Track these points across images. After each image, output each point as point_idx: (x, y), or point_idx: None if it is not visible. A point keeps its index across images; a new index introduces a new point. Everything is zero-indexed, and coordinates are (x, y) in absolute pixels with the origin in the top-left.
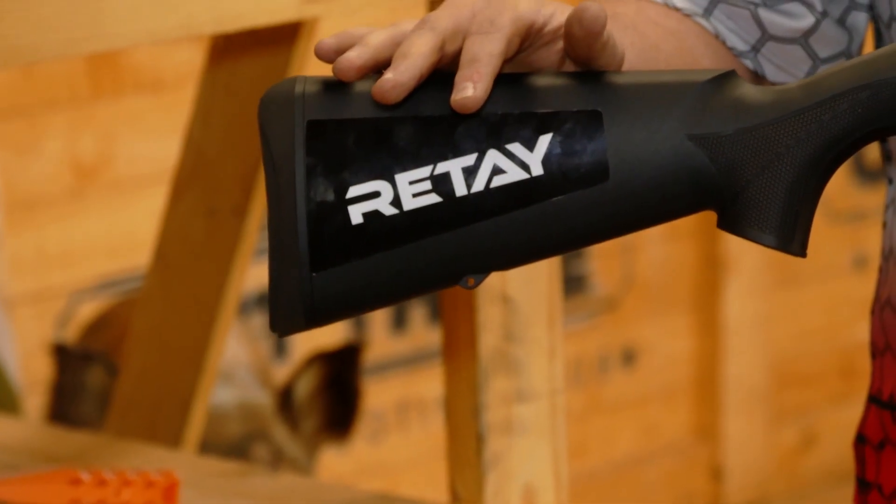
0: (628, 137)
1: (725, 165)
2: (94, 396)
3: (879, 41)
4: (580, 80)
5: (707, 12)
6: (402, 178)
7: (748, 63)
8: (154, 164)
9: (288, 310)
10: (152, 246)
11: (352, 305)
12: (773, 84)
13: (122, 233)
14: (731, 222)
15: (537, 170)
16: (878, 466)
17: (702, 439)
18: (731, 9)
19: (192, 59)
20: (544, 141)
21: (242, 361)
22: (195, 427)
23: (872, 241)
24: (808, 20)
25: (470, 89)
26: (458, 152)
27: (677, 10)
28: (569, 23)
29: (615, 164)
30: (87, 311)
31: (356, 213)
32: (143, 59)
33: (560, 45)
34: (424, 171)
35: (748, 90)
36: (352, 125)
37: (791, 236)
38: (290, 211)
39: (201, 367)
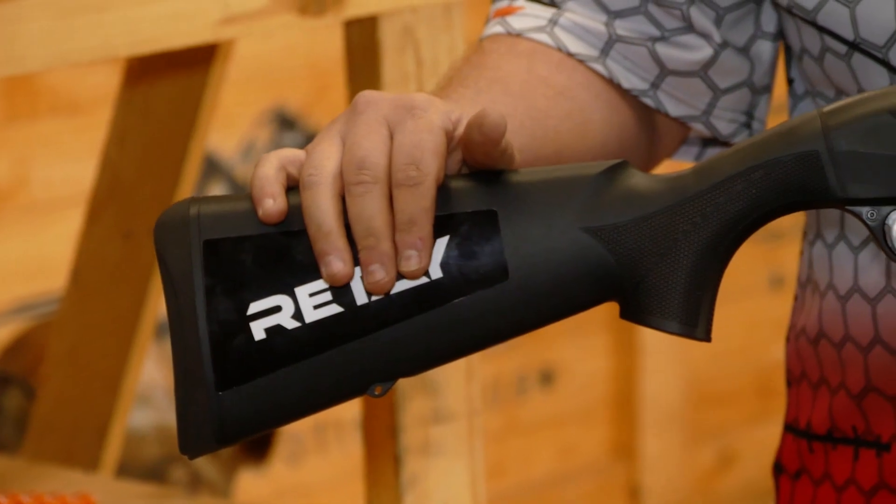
0: (525, 235)
1: (624, 256)
2: (10, 420)
3: (789, 70)
4: (474, 180)
5: (603, 53)
6: (302, 291)
7: (648, 101)
8: (70, 186)
9: (197, 431)
10: (68, 269)
11: (262, 422)
12: (677, 119)
13: (37, 256)
14: (633, 311)
15: (436, 273)
16: (793, 496)
17: (619, 459)
18: (627, 47)
19: (108, 82)
20: (441, 244)
21: (160, 384)
22: (113, 450)
23: (789, 261)
24: (705, 52)
25: (415, 259)
26: (356, 261)
27: (570, 56)
28: (468, 129)
29: (514, 263)
30: (4, 334)
31: (258, 330)
32: (59, 82)
33: (460, 153)
34: (323, 283)
35: (641, 179)
36: (248, 242)
37: (695, 321)
38: (192, 332)
39: (118, 390)
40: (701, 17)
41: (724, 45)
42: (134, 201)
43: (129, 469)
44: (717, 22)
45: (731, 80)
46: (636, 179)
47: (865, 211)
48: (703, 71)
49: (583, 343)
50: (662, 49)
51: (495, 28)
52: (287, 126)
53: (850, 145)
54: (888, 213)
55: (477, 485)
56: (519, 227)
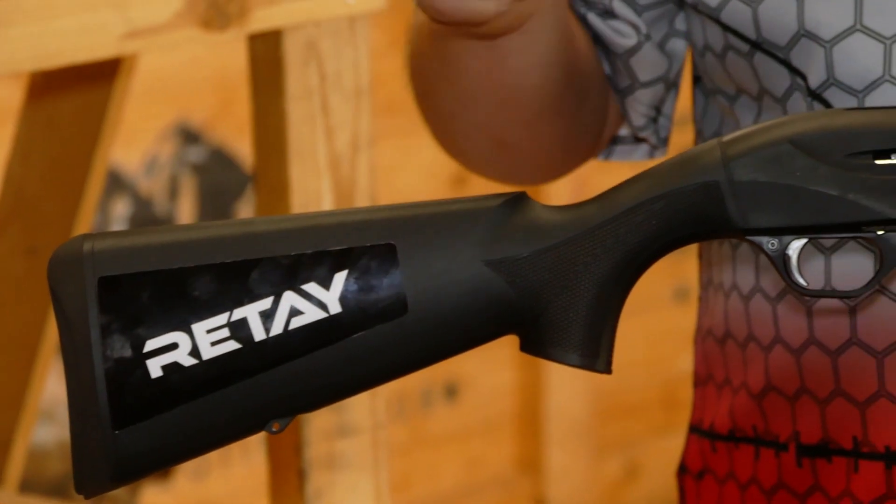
0: (424, 268)
1: (524, 288)
2: None
3: (694, 69)
4: (373, 213)
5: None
6: (199, 328)
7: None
8: None
9: (92, 470)
10: None
11: (159, 461)
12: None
13: None
14: (533, 344)
15: (335, 308)
16: (698, 496)
17: (525, 472)
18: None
19: (12, 96)
20: (340, 278)
21: (63, 400)
22: (16, 465)
23: (693, 273)
24: (631, 40)
25: None
26: (253, 297)
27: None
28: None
29: (413, 297)
30: None
31: (155, 367)
32: None
33: None
34: (221, 319)
35: (541, 210)
36: (145, 278)
37: (596, 353)
38: (87, 370)
39: (22, 406)
40: (624, 9)
41: (648, 37)
42: (38, 217)
43: (32, 485)
44: (639, 14)
45: (650, 74)
46: (536, 211)
47: (766, 240)
48: (626, 56)
49: (488, 356)
50: (595, 21)
51: None
52: (191, 140)
53: (750, 175)
54: (789, 243)
55: (382, 498)
56: (418, 260)
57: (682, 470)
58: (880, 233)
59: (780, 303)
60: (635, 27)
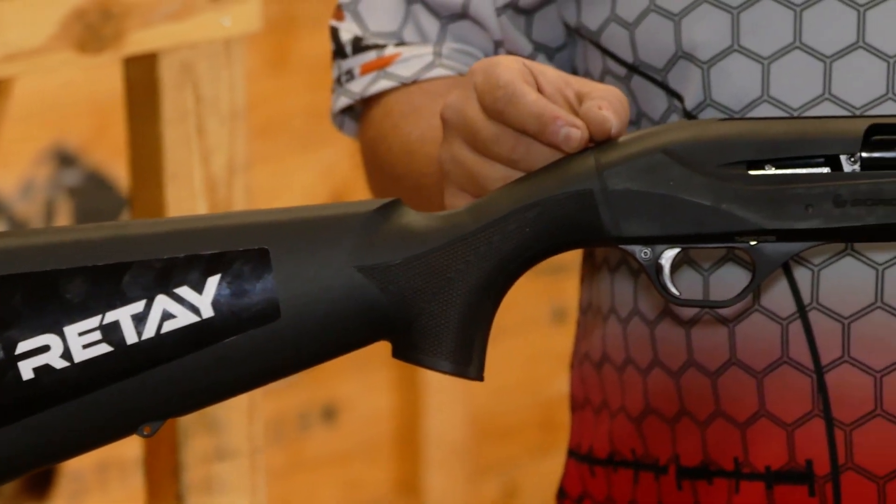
0: (297, 274)
1: (397, 295)
2: None
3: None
4: (246, 217)
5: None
6: (72, 330)
7: None
8: None
9: None
10: None
11: (31, 462)
12: None
13: None
14: (405, 351)
15: (207, 312)
16: None
17: (404, 495)
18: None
19: None
20: (213, 282)
21: None
22: None
23: (571, 294)
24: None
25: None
26: (126, 300)
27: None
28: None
29: (286, 302)
30: None
31: (26, 369)
32: None
33: None
34: (93, 322)
35: (415, 217)
36: (18, 280)
37: (467, 360)
38: None
39: None
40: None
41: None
42: None
43: None
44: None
45: None
46: (410, 218)
47: (639, 249)
48: None
49: (365, 379)
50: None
51: (381, 83)
52: (67, 163)
53: (624, 184)
54: (662, 252)
55: None
56: (291, 265)
57: (561, 494)
58: (753, 243)
59: (658, 325)
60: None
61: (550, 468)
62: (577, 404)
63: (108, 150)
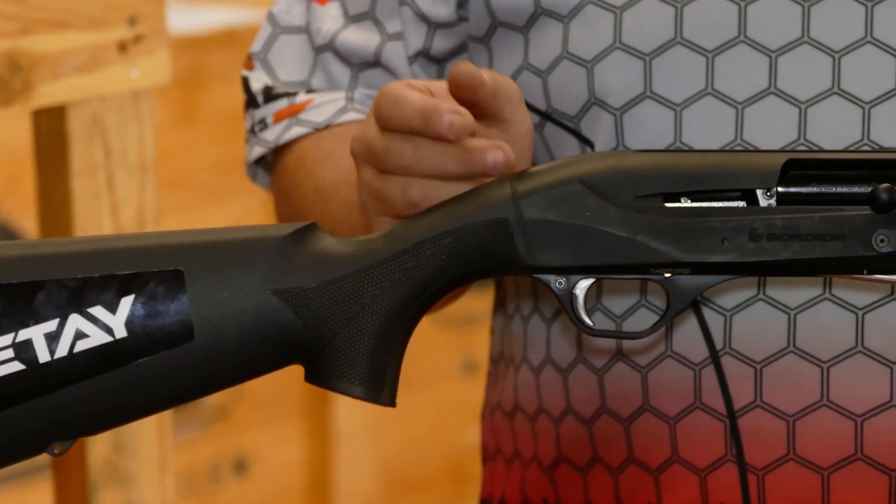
0: (211, 296)
1: (311, 319)
2: None
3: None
4: (161, 238)
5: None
6: None
7: None
8: None
9: None
10: None
11: None
12: None
13: None
14: (318, 375)
15: (121, 332)
16: None
17: None
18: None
19: None
20: (126, 303)
21: None
22: None
23: (481, 346)
24: None
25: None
26: (39, 318)
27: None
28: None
29: (199, 324)
30: None
31: None
32: None
33: None
34: (6, 339)
35: (330, 242)
36: None
37: (380, 386)
38: None
39: None
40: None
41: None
42: None
43: None
44: None
45: None
46: (325, 242)
47: (554, 279)
48: None
49: (276, 431)
50: None
51: (294, 130)
52: None
53: (540, 213)
54: (577, 282)
55: None
56: (205, 287)
57: None
58: (668, 275)
59: (571, 373)
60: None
61: None
62: (489, 455)
63: (18, 202)
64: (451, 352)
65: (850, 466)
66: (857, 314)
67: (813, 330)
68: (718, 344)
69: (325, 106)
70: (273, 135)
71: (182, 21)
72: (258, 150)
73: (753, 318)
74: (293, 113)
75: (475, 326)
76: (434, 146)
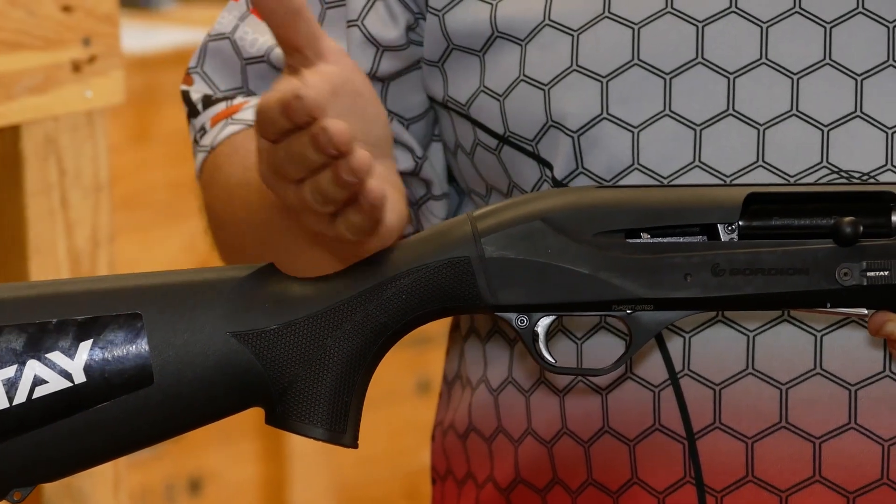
0: (171, 339)
1: (271, 361)
2: None
3: (448, 169)
4: (120, 281)
5: None
6: None
7: None
8: None
9: None
10: None
11: None
12: None
13: None
14: (279, 418)
15: (80, 378)
16: None
17: None
18: None
19: None
20: (85, 348)
21: None
22: None
23: (436, 366)
24: (408, 163)
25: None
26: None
27: None
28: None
29: (159, 367)
30: None
31: None
32: None
33: None
34: None
35: (290, 283)
36: None
37: (342, 427)
38: None
39: None
40: (400, 130)
41: (424, 158)
42: None
43: None
44: (407, 129)
45: (440, 189)
46: (285, 283)
47: (515, 317)
48: (411, 178)
49: (231, 450)
50: None
51: (228, 129)
52: None
53: (501, 251)
54: (538, 319)
55: None
56: (165, 330)
57: None
58: (630, 311)
59: (532, 394)
60: (410, 149)
61: None
62: (439, 475)
63: None
64: (405, 372)
65: (808, 488)
66: (815, 336)
67: (771, 352)
68: (678, 366)
69: None
70: (210, 138)
71: (136, 41)
72: (201, 157)
73: (712, 341)
74: (230, 114)
75: (430, 346)
76: (301, 136)
